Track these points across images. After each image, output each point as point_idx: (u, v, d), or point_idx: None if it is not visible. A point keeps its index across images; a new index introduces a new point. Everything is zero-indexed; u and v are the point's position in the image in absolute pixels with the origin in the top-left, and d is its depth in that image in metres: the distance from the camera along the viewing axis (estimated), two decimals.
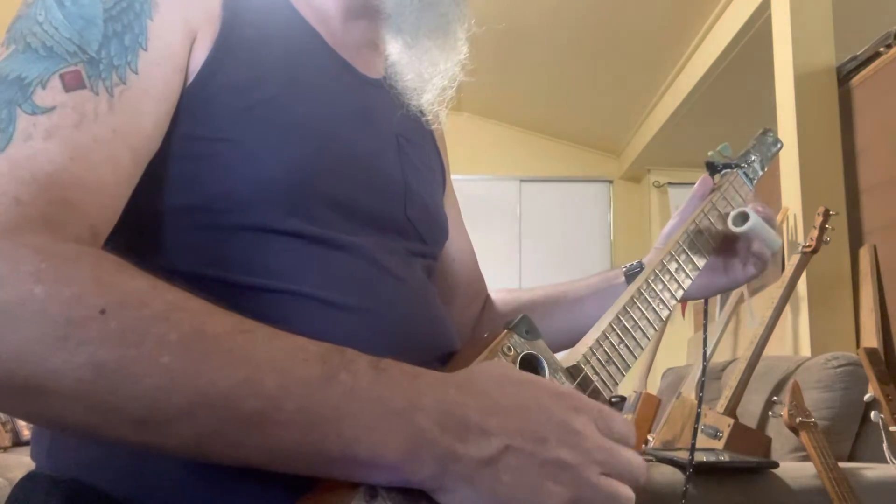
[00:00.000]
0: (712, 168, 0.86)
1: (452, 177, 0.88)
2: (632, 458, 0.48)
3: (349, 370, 0.44)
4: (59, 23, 0.50)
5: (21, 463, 2.48)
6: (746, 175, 0.87)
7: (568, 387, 0.53)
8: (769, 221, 0.80)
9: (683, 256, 0.75)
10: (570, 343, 0.73)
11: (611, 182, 5.44)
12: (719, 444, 1.80)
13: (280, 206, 0.57)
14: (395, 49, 0.73)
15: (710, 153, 0.86)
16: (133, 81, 0.51)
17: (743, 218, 0.79)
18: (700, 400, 0.85)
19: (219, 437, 0.42)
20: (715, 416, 1.88)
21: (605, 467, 0.46)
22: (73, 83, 0.48)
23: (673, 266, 0.73)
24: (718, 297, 2.90)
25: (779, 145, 0.93)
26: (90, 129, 0.48)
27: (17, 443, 3.08)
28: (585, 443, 0.46)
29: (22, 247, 0.42)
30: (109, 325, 0.40)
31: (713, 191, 0.84)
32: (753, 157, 0.89)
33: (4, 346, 0.39)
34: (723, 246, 0.82)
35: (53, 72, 0.48)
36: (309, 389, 0.42)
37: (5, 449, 3.01)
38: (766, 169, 0.90)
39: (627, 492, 0.47)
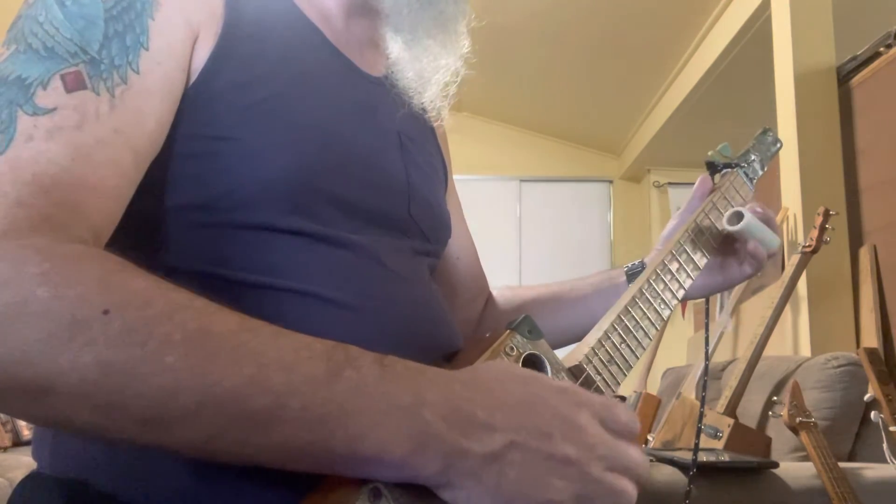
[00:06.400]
0: (712, 168, 0.87)
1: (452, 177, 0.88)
2: (634, 453, 0.48)
3: (354, 367, 0.44)
4: (59, 23, 0.49)
5: (21, 463, 2.48)
6: (746, 175, 0.87)
7: (570, 382, 0.53)
8: (768, 222, 0.80)
9: (684, 256, 0.75)
10: (571, 341, 0.73)
11: (611, 182, 5.44)
12: (719, 444, 1.80)
13: (283, 205, 0.56)
14: (396, 47, 0.73)
15: (710, 153, 0.86)
16: (134, 81, 0.51)
17: (738, 217, 0.79)
18: (703, 399, 0.84)
19: (225, 436, 0.42)
20: (715, 416, 1.88)
21: (608, 462, 0.46)
22: (74, 84, 0.48)
23: (674, 266, 0.73)
24: (718, 297, 2.91)
25: (778, 145, 0.93)
26: (92, 130, 0.48)
27: (17, 443, 3.09)
28: (589, 438, 0.46)
29: (25, 248, 0.42)
30: (114, 324, 0.40)
31: (713, 191, 0.84)
32: (753, 157, 0.89)
33: (9, 347, 0.39)
34: (720, 246, 0.82)
35: (54, 72, 0.48)
36: (314, 386, 0.42)
37: (5, 449, 3.02)
38: (765, 168, 0.90)
39: (630, 487, 0.47)
